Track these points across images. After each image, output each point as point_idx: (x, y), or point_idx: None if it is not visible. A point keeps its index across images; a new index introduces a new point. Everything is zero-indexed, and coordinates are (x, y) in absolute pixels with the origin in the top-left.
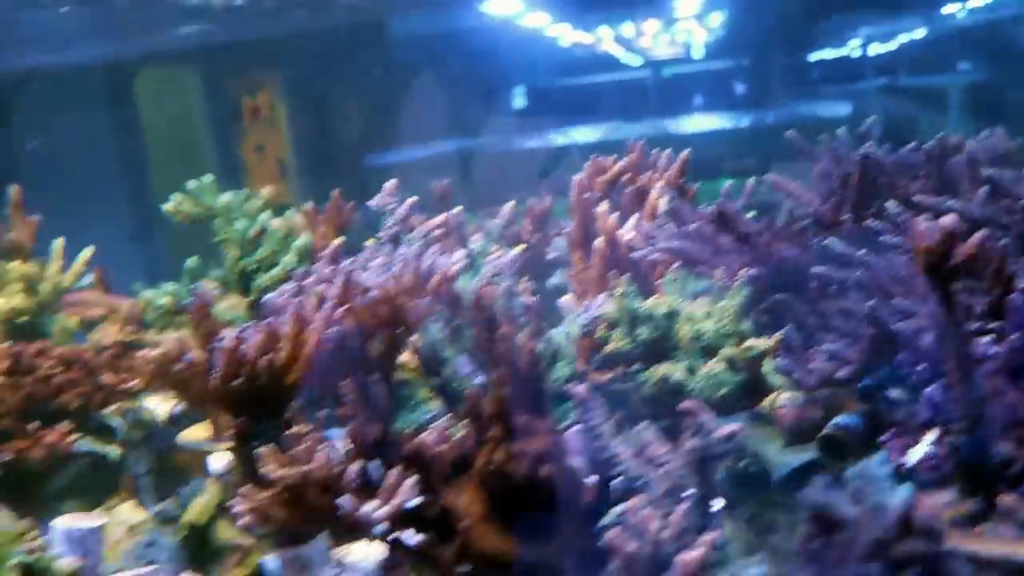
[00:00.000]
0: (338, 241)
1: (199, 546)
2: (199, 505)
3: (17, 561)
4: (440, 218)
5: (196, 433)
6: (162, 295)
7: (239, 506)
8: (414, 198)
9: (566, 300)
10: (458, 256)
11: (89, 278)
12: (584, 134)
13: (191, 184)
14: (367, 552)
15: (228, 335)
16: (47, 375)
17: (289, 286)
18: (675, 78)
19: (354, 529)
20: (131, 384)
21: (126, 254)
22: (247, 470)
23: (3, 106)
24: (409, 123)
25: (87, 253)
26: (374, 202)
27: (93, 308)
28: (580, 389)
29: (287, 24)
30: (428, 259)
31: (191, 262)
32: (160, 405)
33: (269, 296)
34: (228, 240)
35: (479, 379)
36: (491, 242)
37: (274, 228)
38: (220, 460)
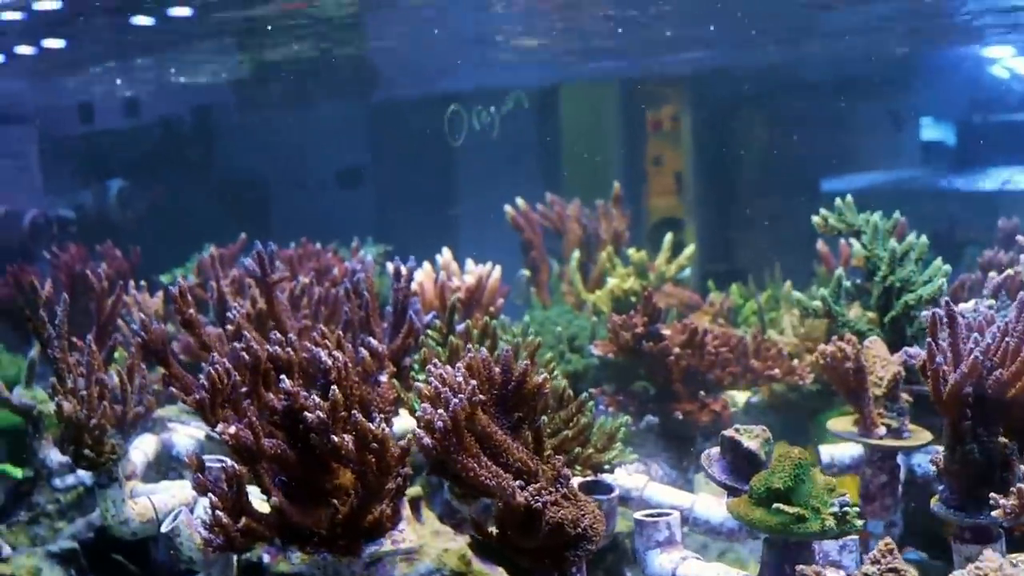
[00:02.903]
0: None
1: None
2: None
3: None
4: None
5: (840, 424)
6: (812, 298)
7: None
8: None
9: None
10: None
11: (688, 271)
12: None
13: (837, 202)
14: None
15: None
16: (713, 351)
17: (970, 306)
18: None
19: None
20: (774, 372)
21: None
22: (963, 468)
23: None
24: (824, 153)
25: (690, 249)
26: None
27: (670, 299)
28: None
29: (699, 54)
30: None
31: (841, 274)
32: (737, 395)
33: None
34: (872, 256)
35: None
36: None
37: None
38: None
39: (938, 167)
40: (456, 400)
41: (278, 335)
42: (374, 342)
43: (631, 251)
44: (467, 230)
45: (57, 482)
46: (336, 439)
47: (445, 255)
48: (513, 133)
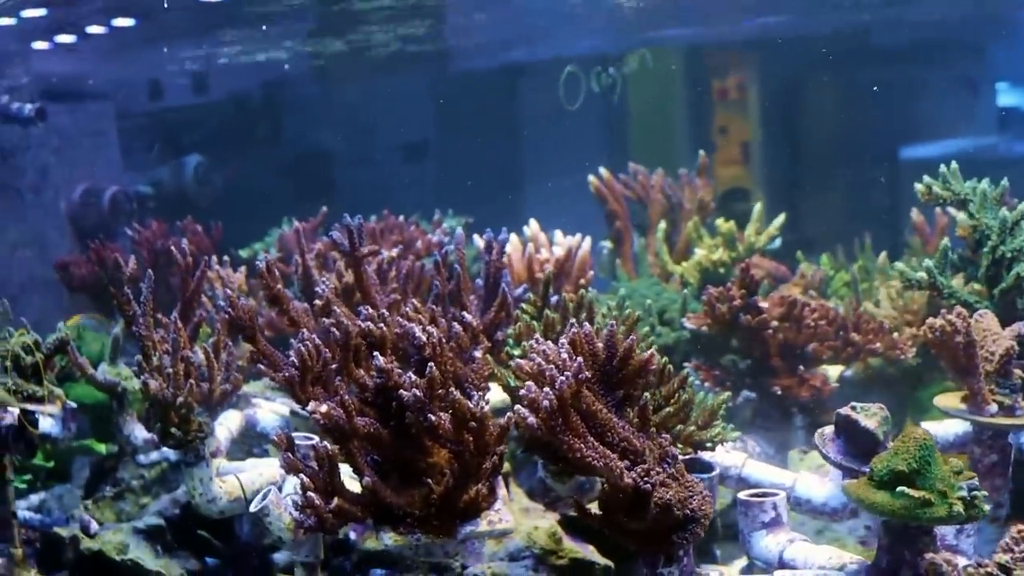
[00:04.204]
0: None
1: None
2: None
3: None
4: None
5: (947, 401)
6: (915, 269)
7: None
8: None
9: None
10: None
11: (778, 242)
12: None
13: (942, 169)
14: None
15: None
16: (812, 324)
17: None
18: None
19: None
20: (875, 346)
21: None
22: None
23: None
24: (897, 121)
25: (780, 219)
26: None
27: (757, 270)
28: None
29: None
30: None
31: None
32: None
33: None
34: (979, 226)
35: None
36: None
37: None
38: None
39: (1018, 133)
40: (563, 378)
41: (370, 310)
42: (468, 316)
43: (719, 221)
44: (535, 201)
45: (141, 458)
46: (433, 418)
47: (533, 226)
48: (581, 105)
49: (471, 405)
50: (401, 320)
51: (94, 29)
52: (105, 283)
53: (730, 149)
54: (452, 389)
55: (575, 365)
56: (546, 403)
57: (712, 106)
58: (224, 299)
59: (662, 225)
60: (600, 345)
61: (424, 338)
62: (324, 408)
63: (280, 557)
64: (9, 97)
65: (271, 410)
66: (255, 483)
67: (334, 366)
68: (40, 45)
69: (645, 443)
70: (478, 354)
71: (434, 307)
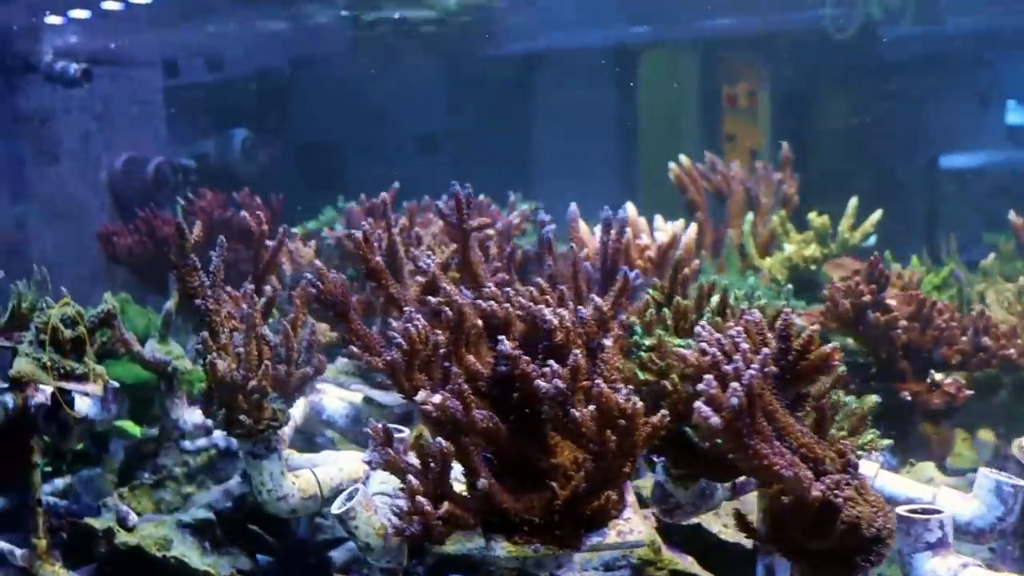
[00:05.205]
0: None
1: None
2: None
3: None
4: None
5: None
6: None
7: None
8: None
9: None
10: None
11: (873, 238)
12: None
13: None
14: None
15: None
16: (940, 326)
17: None
18: None
19: None
20: (1008, 352)
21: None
22: None
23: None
24: (907, 131)
25: (877, 215)
26: None
27: (841, 270)
28: None
29: (782, 22)
30: None
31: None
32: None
33: None
34: None
35: None
36: None
37: None
38: None
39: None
40: (751, 371)
41: (492, 288)
42: (598, 299)
43: (812, 215)
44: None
45: (187, 444)
46: (576, 414)
47: (630, 210)
48: (593, 100)
49: (621, 400)
50: (524, 301)
51: (109, 5)
52: (164, 253)
53: (738, 156)
54: (598, 380)
55: (761, 357)
56: (734, 400)
57: (721, 109)
58: (313, 272)
59: (749, 217)
60: (770, 335)
61: (556, 321)
62: (438, 398)
63: (338, 556)
64: (53, 56)
65: (338, 396)
66: (334, 479)
67: (442, 351)
68: (82, 14)
69: (826, 450)
70: (608, 342)
71: (562, 288)
